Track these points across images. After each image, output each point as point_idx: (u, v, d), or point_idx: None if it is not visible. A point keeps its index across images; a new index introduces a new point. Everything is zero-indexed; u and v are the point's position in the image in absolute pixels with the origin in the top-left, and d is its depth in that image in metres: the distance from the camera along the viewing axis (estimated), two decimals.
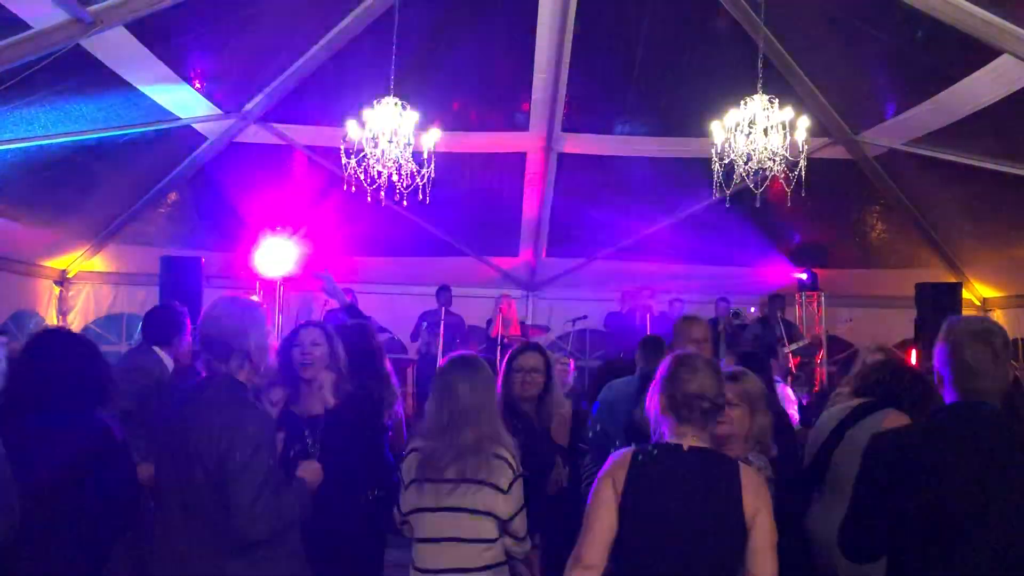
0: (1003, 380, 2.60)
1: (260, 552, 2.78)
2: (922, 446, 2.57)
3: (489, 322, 10.16)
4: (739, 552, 2.56)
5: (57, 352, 3.22)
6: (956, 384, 2.59)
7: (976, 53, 6.46)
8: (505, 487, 3.11)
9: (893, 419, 3.55)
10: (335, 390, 3.71)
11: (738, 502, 2.57)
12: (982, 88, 6.79)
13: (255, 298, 3.03)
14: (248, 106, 8.84)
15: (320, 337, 3.77)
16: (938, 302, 9.50)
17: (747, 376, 3.35)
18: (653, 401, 2.77)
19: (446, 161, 8.01)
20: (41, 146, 7.75)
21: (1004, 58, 6.26)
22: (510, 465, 3.14)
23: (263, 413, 2.95)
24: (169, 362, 4.79)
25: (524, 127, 9.26)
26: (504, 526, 3.14)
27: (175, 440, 2.83)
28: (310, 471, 3.16)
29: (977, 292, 10.43)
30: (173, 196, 10.06)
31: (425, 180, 7.30)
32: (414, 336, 10.21)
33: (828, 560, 3.38)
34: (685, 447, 2.65)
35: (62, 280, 10.50)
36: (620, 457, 2.71)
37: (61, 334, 3.46)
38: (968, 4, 6.03)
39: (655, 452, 2.69)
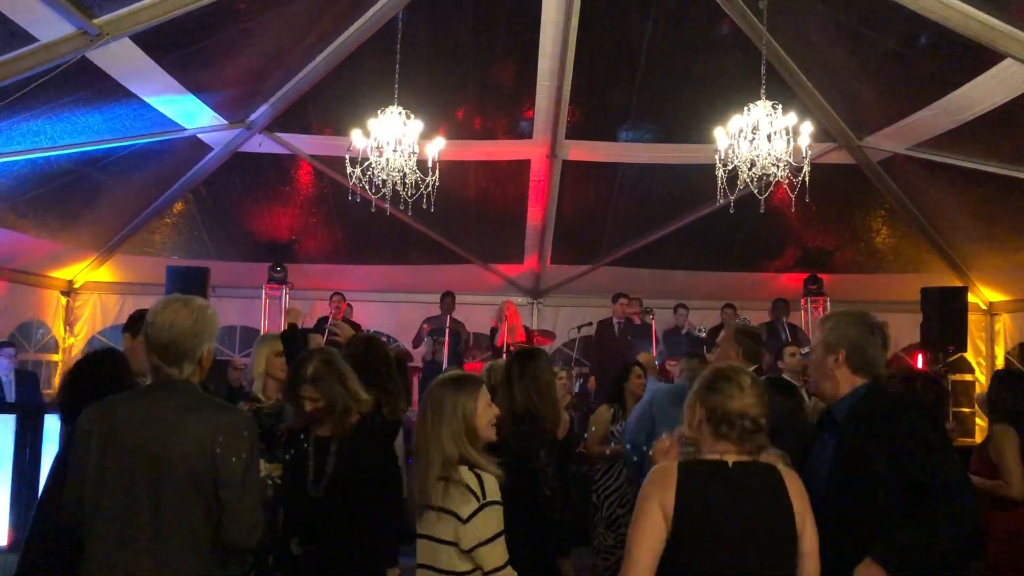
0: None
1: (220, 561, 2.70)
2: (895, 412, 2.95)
3: (493, 330, 10.15)
4: (793, 559, 2.53)
5: (105, 369, 3.40)
6: (862, 367, 3.00)
7: (979, 57, 6.46)
8: (465, 516, 2.87)
9: None
10: (341, 419, 3.50)
11: (789, 510, 2.54)
12: (986, 92, 6.79)
13: (204, 300, 2.91)
14: (253, 116, 8.89)
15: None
16: (944, 306, 9.49)
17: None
18: (690, 412, 2.69)
19: (450, 169, 8.05)
20: (48, 157, 7.80)
21: (1007, 62, 6.26)
22: (474, 492, 2.89)
23: (251, 416, 2.84)
24: None
25: (528, 135, 9.28)
26: (469, 558, 2.91)
27: (136, 451, 2.66)
28: None
29: (983, 296, 10.41)
30: (179, 206, 10.10)
31: (429, 188, 7.32)
32: (416, 342, 10.22)
33: None
34: (729, 463, 2.57)
35: (69, 290, 10.55)
36: (663, 474, 2.57)
37: (108, 354, 3.60)
38: (971, 8, 6.04)
39: (701, 468, 2.58)
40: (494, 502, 2.91)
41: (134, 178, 9.09)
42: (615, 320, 10.14)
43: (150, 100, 7.54)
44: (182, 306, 2.80)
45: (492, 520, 2.89)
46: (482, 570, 2.87)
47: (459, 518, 2.86)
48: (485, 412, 3.09)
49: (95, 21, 6.00)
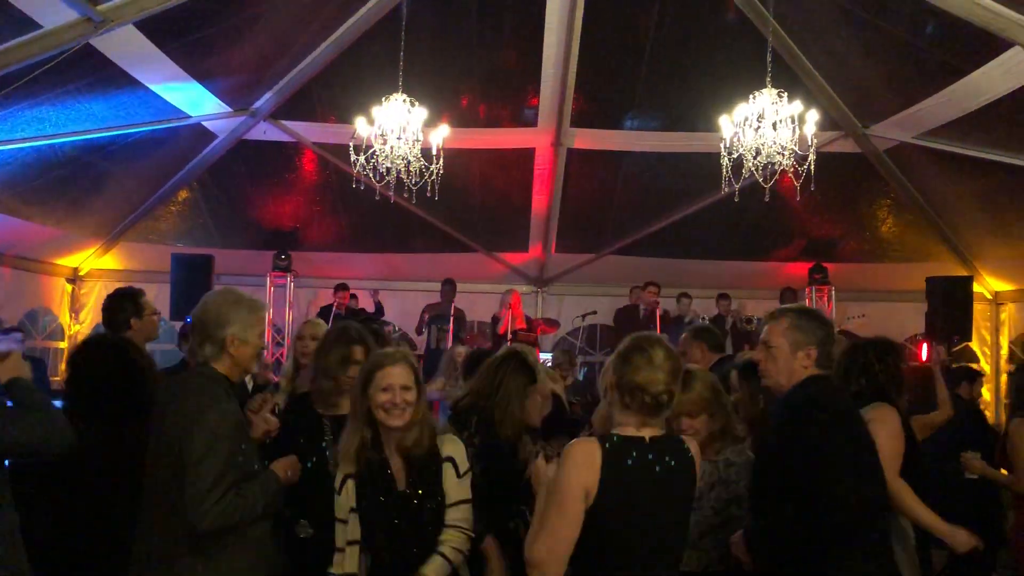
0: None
1: (210, 543, 2.78)
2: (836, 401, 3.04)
3: (495, 318, 10.15)
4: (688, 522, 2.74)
5: (103, 365, 3.37)
6: (825, 364, 3.06)
7: (986, 45, 6.41)
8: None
9: (876, 413, 3.56)
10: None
11: (693, 479, 2.67)
12: (993, 81, 6.75)
13: (252, 295, 3.13)
14: (258, 103, 8.88)
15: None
16: (949, 296, 9.48)
17: (695, 382, 3.27)
18: (603, 377, 2.74)
19: (455, 157, 8.03)
20: (52, 145, 7.80)
21: (1015, 50, 6.21)
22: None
23: (228, 408, 2.85)
24: None
25: (533, 123, 9.26)
26: None
27: (155, 426, 2.92)
28: (283, 464, 3.06)
29: (988, 286, 10.38)
30: (184, 193, 10.11)
31: (434, 176, 7.32)
32: (419, 330, 10.25)
33: None
34: (647, 438, 2.60)
35: (74, 278, 10.57)
36: (586, 451, 2.56)
37: (108, 345, 3.54)
38: None
39: (623, 446, 2.58)
40: (347, 477, 3.01)
41: (138, 165, 9.09)
42: (642, 307, 10.16)
43: (154, 87, 7.53)
44: (219, 293, 3.05)
45: (350, 493, 3.01)
46: None
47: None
48: (377, 394, 2.97)
49: (99, 8, 5.98)
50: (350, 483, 2.95)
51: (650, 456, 2.57)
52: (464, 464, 3.04)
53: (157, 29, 6.65)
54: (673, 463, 2.60)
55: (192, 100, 8.14)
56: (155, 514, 2.84)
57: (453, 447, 3.05)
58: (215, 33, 7.36)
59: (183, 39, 7.11)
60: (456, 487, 3.00)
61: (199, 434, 2.73)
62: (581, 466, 2.52)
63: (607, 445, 2.56)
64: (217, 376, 2.92)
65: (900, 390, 3.85)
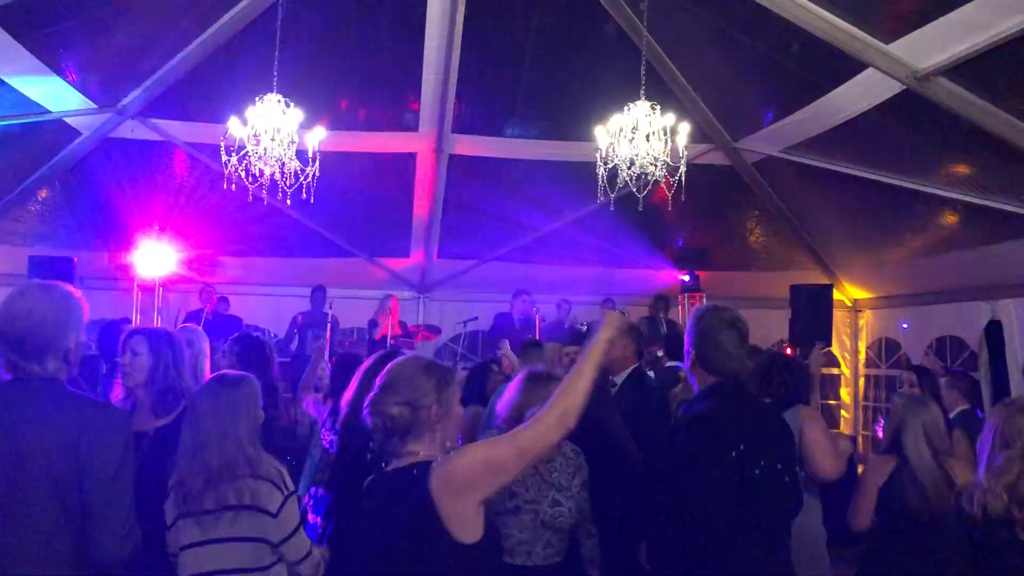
0: (746, 362, 3.08)
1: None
2: (713, 420, 2.90)
3: (372, 323, 10.01)
4: (439, 557, 2.30)
5: None
6: (708, 364, 2.95)
7: (845, 66, 6.75)
8: (274, 510, 2.99)
9: (807, 413, 3.85)
10: (160, 408, 3.40)
11: (430, 511, 2.29)
12: (851, 99, 7.10)
13: (68, 287, 2.56)
14: (125, 101, 8.50)
15: (142, 345, 3.42)
16: (811, 303, 9.89)
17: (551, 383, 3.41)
18: None
19: (334, 160, 7.90)
20: None
21: (869, 71, 6.57)
22: (277, 486, 3.02)
23: (125, 413, 2.56)
24: None
25: (414, 128, 9.20)
26: (276, 551, 3.03)
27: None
28: None
29: (848, 293, 10.93)
30: (44, 193, 9.57)
31: (310, 179, 7.17)
32: (287, 337, 10.01)
33: None
34: (390, 468, 2.43)
35: None
36: None
37: None
38: (837, 19, 6.30)
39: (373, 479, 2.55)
40: (292, 493, 3.09)
41: None
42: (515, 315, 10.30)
43: (10, 80, 7.11)
44: (44, 293, 2.45)
45: (296, 511, 3.12)
46: (288, 560, 3.07)
47: (269, 513, 2.98)
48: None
49: None
50: None
51: (380, 487, 2.45)
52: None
53: (12, 18, 6.28)
54: (402, 494, 2.36)
55: (53, 95, 7.72)
56: (6, 547, 2.33)
57: None
58: (78, 25, 6.99)
59: (43, 30, 6.74)
60: None
61: (109, 452, 2.38)
62: None
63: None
64: (72, 386, 2.54)
65: (808, 394, 4.24)
